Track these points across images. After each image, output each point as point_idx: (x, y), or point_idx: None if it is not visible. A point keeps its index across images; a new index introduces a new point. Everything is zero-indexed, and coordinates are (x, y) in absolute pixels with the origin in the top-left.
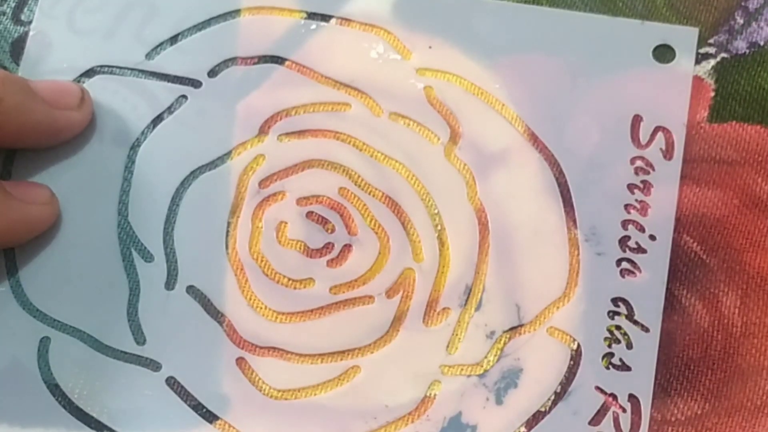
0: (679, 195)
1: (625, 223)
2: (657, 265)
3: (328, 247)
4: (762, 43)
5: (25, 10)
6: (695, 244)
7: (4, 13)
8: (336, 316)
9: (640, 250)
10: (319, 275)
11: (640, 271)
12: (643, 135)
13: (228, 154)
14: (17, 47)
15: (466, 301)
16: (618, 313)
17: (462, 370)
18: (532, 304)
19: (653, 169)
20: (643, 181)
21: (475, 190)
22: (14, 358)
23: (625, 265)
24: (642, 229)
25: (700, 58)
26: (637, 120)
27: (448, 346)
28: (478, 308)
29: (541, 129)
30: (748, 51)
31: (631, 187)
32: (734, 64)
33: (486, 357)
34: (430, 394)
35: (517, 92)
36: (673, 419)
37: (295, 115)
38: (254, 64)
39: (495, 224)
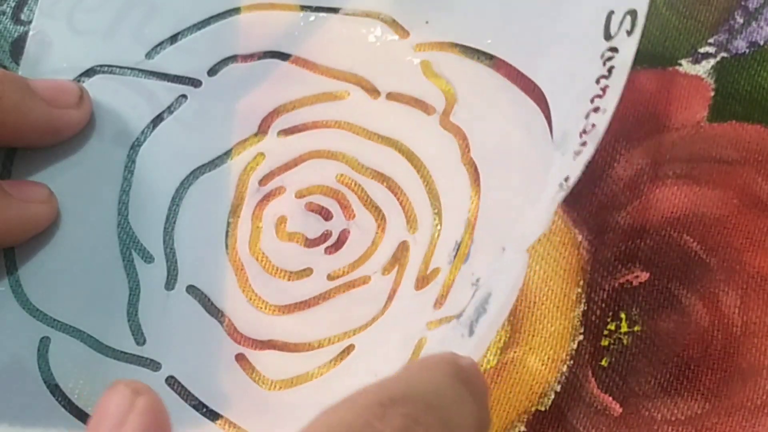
0: (678, 192)
1: (588, 113)
2: (598, 131)
3: (326, 234)
4: (762, 43)
5: (25, 9)
6: (695, 243)
7: (4, 13)
8: (333, 302)
9: (593, 128)
10: (317, 264)
11: (586, 144)
12: (614, 27)
13: (228, 153)
14: (17, 47)
15: (455, 256)
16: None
17: (446, 320)
18: (517, 243)
19: (617, 52)
20: (609, 68)
21: (468, 151)
22: (14, 358)
23: (579, 148)
24: (598, 110)
25: (700, 58)
26: (610, 15)
27: (435, 303)
28: (465, 260)
29: (530, 68)
30: (748, 50)
31: (599, 79)
32: (734, 63)
33: (469, 303)
34: (417, 352)
35: (505, 40)
36: (673, 419)
37: (295, 110)
38: (254, 61)
39: (486, 179)
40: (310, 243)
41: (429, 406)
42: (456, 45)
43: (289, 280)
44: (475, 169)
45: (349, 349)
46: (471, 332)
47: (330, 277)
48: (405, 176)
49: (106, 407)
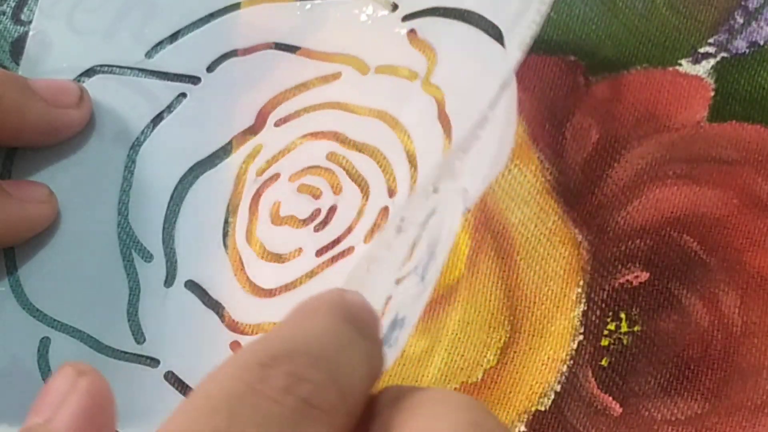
0: (678, 192)
1: (526, 38)
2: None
3: (316, 213)
4: (762, 43)
5: (25, 10)
6: (695, 244)
7: (4, 13)
8: (320, 277)
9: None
10: (306, 243)
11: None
12: None
13: (227, 148)
14: (17, 47)
15: None
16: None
17: (407, 273)
18: (479, 185)
19: None
20: None
21: (444, 108)
22: (14, 358)
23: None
24: (532, 31)
25: (700, 58)
26: None
27: (404, 260)
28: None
29: (496, 13)
30: (748, 50)
31: (539, 7)
32: (734, 63)
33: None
34: (382, 312)
35: None
36: (673, 419)
37: (291, 99)
38: (252, 54)
39: (457, 131)
40: (301, 223)
41: (313, 358)
42: (438, 8)
43: (281, 262)
44: (449, 124)
45: None
46: (422, 278)
47: (318, 254)
48: (388, 144)
49: (49, 388)
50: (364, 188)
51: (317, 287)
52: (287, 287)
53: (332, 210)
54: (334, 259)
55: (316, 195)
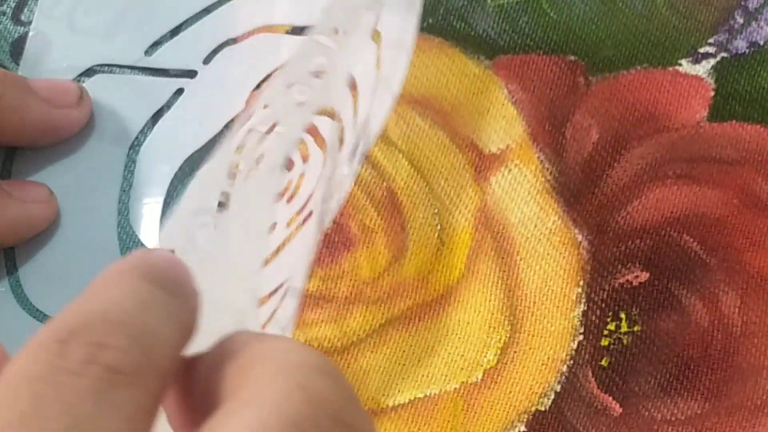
0: (678, 192)
1: None
2: None
3: (288, 186)
4: (762, 43)
5: (25, 10)
6: (695, 243)
7: (4, 13)
8: (288, 247)
9: None
10: (279, 216)
11: None
12: None
13: (220, 137)
14: (17, 47)
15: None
16: None
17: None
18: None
19: None
20: None
21: (380, 57)
22: None
23: None
24: None
25: (700, 58)
26: None
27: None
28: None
29: None
30: (748, 50)
31: None
32: (734, 63)
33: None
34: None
35: None
36: (673, 419)
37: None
38: (243, 40)
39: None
40: (276, 198)
41: (113, 324)
42: None
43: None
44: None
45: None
46: (321, 221)
47: (288, 225)
48: (343, 102)
49: None
50: (325, 151)
51: (287, 258)
52: (264, 262)
53: (301, 178)
54: (299, 228)
55: (289, 167)
